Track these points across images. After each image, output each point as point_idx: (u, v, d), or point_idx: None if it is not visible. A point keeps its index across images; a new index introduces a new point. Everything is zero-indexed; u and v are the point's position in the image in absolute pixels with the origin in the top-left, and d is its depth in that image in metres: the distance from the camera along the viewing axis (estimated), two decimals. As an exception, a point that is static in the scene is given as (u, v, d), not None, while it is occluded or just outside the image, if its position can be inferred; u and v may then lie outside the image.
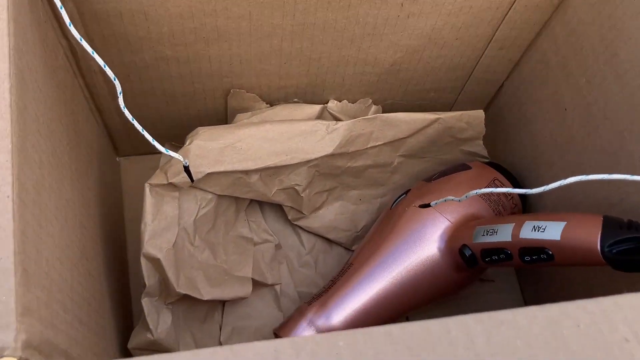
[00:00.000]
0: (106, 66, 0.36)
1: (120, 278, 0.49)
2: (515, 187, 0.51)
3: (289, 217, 0.53)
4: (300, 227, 0.54)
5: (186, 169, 0.42)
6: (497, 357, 0.23)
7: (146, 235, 0.43)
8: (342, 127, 0.48)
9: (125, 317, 0.48)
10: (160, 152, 0.55)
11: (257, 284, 0.50)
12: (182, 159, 0.41)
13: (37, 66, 0.33)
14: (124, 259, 0.52)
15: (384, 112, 0.56)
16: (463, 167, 0.52)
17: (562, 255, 0.38)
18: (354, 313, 0.46)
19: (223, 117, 0.53)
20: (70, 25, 0.33)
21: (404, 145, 0.52)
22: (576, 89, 0.44)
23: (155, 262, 0.43)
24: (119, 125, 0.52)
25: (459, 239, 0.45)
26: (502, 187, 0.50)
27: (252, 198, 0.49)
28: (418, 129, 0.51)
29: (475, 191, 0.38)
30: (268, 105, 0.52)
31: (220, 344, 0.49)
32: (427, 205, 0.46)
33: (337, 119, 0.53)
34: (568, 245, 0.37)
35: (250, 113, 0.51)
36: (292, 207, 0.52)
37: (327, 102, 0.53)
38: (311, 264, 0.54)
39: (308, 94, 0.52)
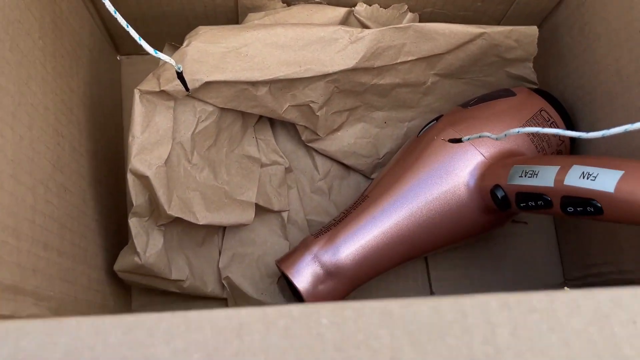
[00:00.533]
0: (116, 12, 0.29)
1: (112, 192, 0.45)
2: (565, 121, 0.44)
3: (303, 138, 0.47)
4: (315, 150, 0.48)
5: (180, 76, 0.36)
6: (523, 357, 0.18)
7: (134, 149, 0.38)
8: (368, 37, 0.41)
9: (119, 236, 0.45)
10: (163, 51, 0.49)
11: (262, 209, 0.45)
12: (174, 64, 0.35)
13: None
14: (118, 172, 0.47)
15: (420, 21, 0.48)
16: (506, 92, 0.45)
17: (613, 210, 0.32)
18: (365, 250, 0.41)
19: (233, 15, 0.46)
20: None
21: (441, 63, 0.44)
22: (658, 7, 0.36)
23: (144, 180, 0.38)
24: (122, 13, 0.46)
25: (491, 178, 0.39)
26: (550, 120, 0.43)
27: (259, 114, 0.43)
28: (458, 44, 0.43)
29: (516, 129, 0.32)
30: (285, 5, 0.44)
31: (219, 270, 0.45)
32: (458, 140, 0.40)
33: (364, 26, 0.45)
34: (623, 199, 0.31)
35: (263, 13, 0.44)
36: (306, 127, 0.46)
37: (354, 5, 0.45)
38: (325, 190, 0.49)
39: (333, -5, 0.44)
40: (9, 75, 0.28)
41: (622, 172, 0.31)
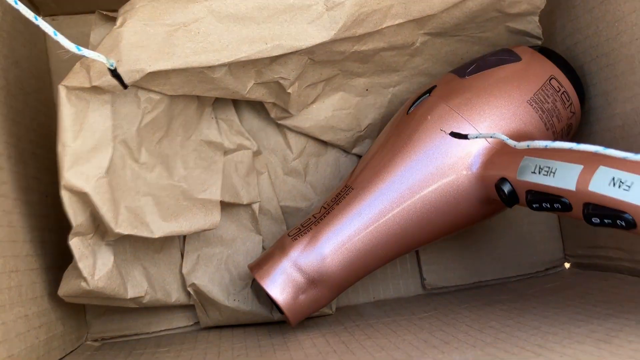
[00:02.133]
0: None
1: (46, 193, 0.38)
2: (577, 89, 0.38)
3: (272, 116, 0.40)
4: (287, 127, 0.41)
5: (114, 72, 0.28)
6: None
7: (66, 161, 0.30)
8: (349, 2, 0.33)
9: (60, 246, 0.38)
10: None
11: (228, 203, 0.39)
12: (105, 61, 0.27)
13: None
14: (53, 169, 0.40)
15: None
16: (509, 56, 0.38)
17: (651, 226, 0.27)
18: (352, 252, 0.36)
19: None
20: None
21: (432, 22, 0.37)
22: None
23: (83, 197, 0.31)
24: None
25: (497, 168, 0.33)
26: (561, 89, 0.37)
27: (218, 96, 0.36)
28: (455, 2, 0.36)
29: (544, 143, 0.25)
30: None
31: (182, 276, 0.39)
32: (464, 137, 0.33)
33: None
34: (666, 217, 0.26)
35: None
36: (275, 104, 0.39)
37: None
38: (300, 171, 0.43)
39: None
40: None
41: (666, 184, 0.26)
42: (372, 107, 0.42)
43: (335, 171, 0.44)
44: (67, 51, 0.26)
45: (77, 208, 0.31)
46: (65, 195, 0.31)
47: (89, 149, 0.31)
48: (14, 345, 0.28)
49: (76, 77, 0.30)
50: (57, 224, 0.38)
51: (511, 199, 0.33)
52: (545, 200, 0.31)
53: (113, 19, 0.36)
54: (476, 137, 0.32)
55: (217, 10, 0.31)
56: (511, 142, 0.28)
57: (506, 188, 0.33)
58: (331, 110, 0.41)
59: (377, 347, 0.31)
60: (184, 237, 0.40)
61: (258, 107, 0.41)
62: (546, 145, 0.26)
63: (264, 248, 0.41)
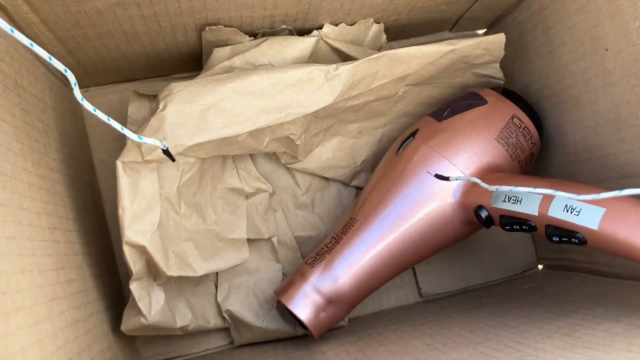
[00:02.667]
0: (52, 58, 0.28)
1: (101, 246, 0.45)
2: (535, 123, 0.45)
3: (282, 162, 0.47)
4: (295, 169, 0.49)
5: (166, 152, 0.35)
6: None
7: (126, 221, 0.37)
8: (344, 73, 0.40)
9: (113, 287, 0.45)
10: (124, 82, 0.47)
11: (253, 240, 0.46)
12: (160, 144, 0.34)
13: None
14: (99, 219, 0.47)
15: (386, 29, 0.48)
16: (477, 100, 0.46)
17: (596, 243, 0.34)
18: (361, 274, 0.43)
19: (196, 48, 0.45)
20: None
21: (411, 76, 0.45)
22: (624, 32, 0.37)
23: (140, 248, 0.38)
24: (63, 57, 0.43)
25: (474, 196, 0.41)
26: (522, 125, 0.45)
27: (240, 153, 0.43)
28: (428, 62, 0.43)
29: (507, 188, 0.33)
30: (251, 38, 0.43)
31: (218, 304, 0.46)
32: (446, 179, 0.41)
33: (334, 50, 0.45)
34: (606, 235, 0.34)
35: (229, 48, 0.43)
36: (285, 152, 0.46)
37: (321, 27, 0.44)
38: (308, 204, 0.50)
39: (299, 21, 0.43)
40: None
41: (605, 209, 0.34)
42: (365, 146, 0.50)
43: (338, 202, 0.51)
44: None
45: (135, 258, 0.38)
46: (126, 249, 0.38)
47: (142, 210, 0.38)
48: (100, 375, 0.35)
49: (130, 153, 0.37)
50: (109, 268, 0.45)
51: (488, 222, 0.40)
52: (515, 223, 0.38)
53: (146, 96, 0.44)
54: (456, 179, 0.39)
55: (240, 90, 0.38)
56: (484, 185, 0.35)
57: (483, 214, 0.40)
58: (331, 152, 0.49)
59: (389, 353, 0.38)
60: (217, 270, 0.47)
61: (270, 154, 0.49)
62: (510, 190, 0.33)
63: (283, 274, 0.48)
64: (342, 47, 0.44)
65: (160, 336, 0.47)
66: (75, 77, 0.47)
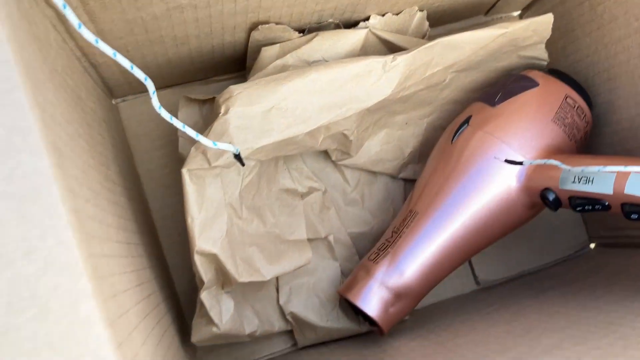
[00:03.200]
0: (133, 67, 0.27)
1: (158, 256, 0.44)
2: (586, 101, 0.45)
3: (333, 159, 0.47)
4: (344, 165, 0.48)
5: (237, 156, 0.35)
6: None
7: (196, 231, 0.36)
8: (402, 64, 0.40)
9: (173, 300, 0.44)
10: (164, 88, 0.46)
11: (311, 239, 0.45)
12: (233, 150, 0.33)
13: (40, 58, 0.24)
14: (152, 224, 0.46)
15: (429, 16, 0.47)
16: (528, 83, 0.45)
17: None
18: (427, 267, 0.42)
19: (240, 49, 0.44)
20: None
21: (461, 62, 0.44)
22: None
23: (211, 257, 0.37)
24: (110, 66, 0.42)
25: (540, 180, 0.40)
26: (575, 105, 0.44)
27: (297, 153, 0.42)
28: (481, 47, 0.43)
29: (596, 168, 0.33)
30: (299, 34, 0.42)
31: (280, 307, 0.45)
32: (519, 163, 0.40)
33: (382, 41, 0.44)
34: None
35: (278, 46, 0.42)
36: (336, 149, 0.46)
37: (367, 18, 0.43)
38: (358, 200, 0.49)
39: (347, 14, 0.42)
40: (87, 177, 0.26)
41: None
42: (411, 137, 0.49)
43: (387, 195, 0.50)
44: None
45: (206, 267, 0.38)
46: (197, 259, 0.37)
47: (211, 217, 0.37)
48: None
49: (195, 161, 0.36)
50: (167, 280, 0.44)
51: (556, 204, 0.40)
52: (587, 203, 0.38)
53: (196, 101, 0.43)
54: (530, 163, 0.39)
55: (300, 89, 0.38)
56: (565, 167, 0.35)
57: (550, 196, 0.40)
58: (379, 145, 0.48)
59: (472, 343, 0.37)
60: (276, 274, 0.46)
61: (318, 152, 0.48)
62: (582, 170, 0.33)
63: (341, 272, 0.47)
64: (389, 37, 0.43)
65: (222, 344, 0.47)
66: (116, 86, 0.47)
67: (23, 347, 0.18)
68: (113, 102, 0.48)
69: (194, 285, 0.40)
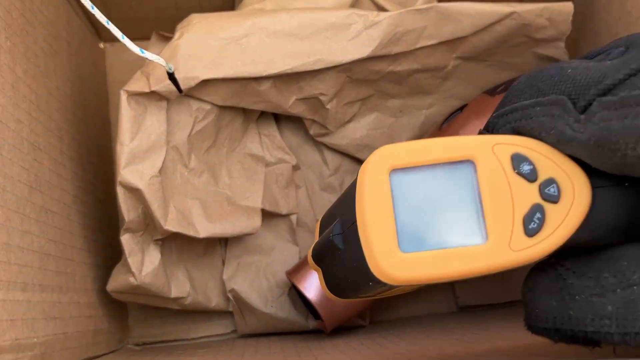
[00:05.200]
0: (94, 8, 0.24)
1: (100, 199, 0.40)
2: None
3: (311, 132, 0.43)
4: (324, 144, 0.44)
5: (171, 76, 0.31)
6: None
7: (123, 159, 0.33)
8: (385, 21, 0.36)
9: (111, 248, 0.40)
10: (148, 39, 0.44)
11: (268, 213, 0.41)
12: (164, 63, 0.30)
13: None
14: (107, 175, 0.43)
15: (440, -2, 0.43)
16: (537, 77, 0.40)
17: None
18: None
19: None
20: None
21: (463, 45, 0.40)
22: None
23: (136, 193, 0.33)
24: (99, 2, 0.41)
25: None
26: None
27: (262, 109, 0.39)
28: (485, 25, 0.38)
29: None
30: (288, -16, 0.39)
31: (223, 282, 0.41)
32: None
33: (378, 7, 0.40)
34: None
35: (263, -7, 0.39)
36: (314, 121, 0.42)
37: (366, -18, 0.40)
38: (335, 187, 0.45)
39: (342, -29, 0.39)
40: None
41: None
42: (405, 127, 0.45)
43: (370, 189, 0.46)
44: (132, 54, 0.29)
45: (130, 205, 0.34)
46: (120, 191, 0.33)
47: (144, 150, 0.34)
48: (68, 325, 0.30)
49: (136, 83, 0.33)
50: (108, 229, 0.41)
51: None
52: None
53: (168, 38, 0.40)
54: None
55: (266, 27, 0.34)
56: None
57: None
58: (366, 129, 0.44)
59: (410, 346, 0.32)
60: (226, 244, 0.42)
61: (297, 125, 0.44)
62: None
63: (299, 258, 0.43)
64: (387, 5, 0.40)
65: (155, 315, 0.42)
66: (100, 29, 0.45)
67: None
68: (101, 45, 0.47)
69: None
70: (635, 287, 0.17)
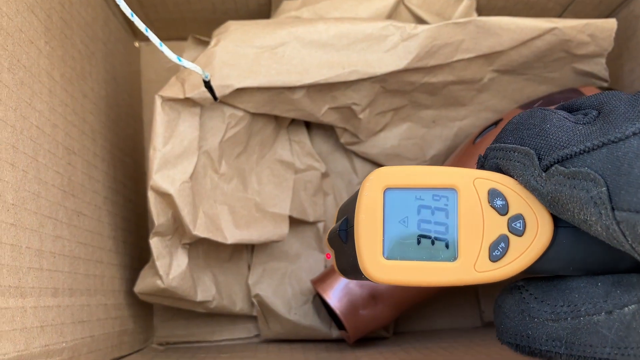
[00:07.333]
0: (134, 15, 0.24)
1: (131, 199, 0.41)
2: None
3: (342, 141, 0.42)
4: (354, 152, 0.44)
5: (207, 84, 0.31)
6: None
7: (155, 164, 0.33)
8: (423, 34, 0.35)
9: (139, 248, 0.41)
10: (183, 39, 0.44)
11: (295, 220, 0.41)
12: (200, 72, 0.30)
13: None
14: (138, 175, 0.43)
15: (478, 9, 0.42)
16: (574, 94, 0.39)
17: None
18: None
19: (264, 1, 0.41)
20: None
21: (501, 59, 0.39)
22: None
23: (167, 198, 0.34)
24: (133, 4, 0.41)
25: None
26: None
27: (295, 117, 0.39)
28: (524, 40, 0.37)
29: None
30: (326, -8, 0.39)
31: (248, 287, 0.41)
32: None
33: (416, 17, 0.40)
34: None
35: (300, 1, 0.39)
36: (345, 129, 0.41)
37: (404, -8, 0.40)
38: (364, 196, 0.44)
39: (381, -20, 0.39)
40: (7, 102, 0.24)
41: None
42: (438, 138, 0.44)
43: (398, 199, 0.45)
44: (169, 61, 0.29)
45: (160, 209, 0.34)
46: (151, 196, 0.34)
47: (176, 155, 0.34)
48: (95, 327, 0.31)
49: (171, 89, 0.33)
50: (137, 229, 0.41)
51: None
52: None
53: (204, 43, 0.40)
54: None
55: (302, 37, 0.34)
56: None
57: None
58: (398, 139, 0.43)
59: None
60: (252, 250, 0.42)
61: (329, 132, 0.44)
62: None
63: (325, 267, 0.42)
64: (425, 16, 0.39)
65: (180, 316, 0.43)
66: (136, 29, 0.45)
67: None
68: (136, 44, 0.47)
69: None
70: (581, 318, 0.20)
